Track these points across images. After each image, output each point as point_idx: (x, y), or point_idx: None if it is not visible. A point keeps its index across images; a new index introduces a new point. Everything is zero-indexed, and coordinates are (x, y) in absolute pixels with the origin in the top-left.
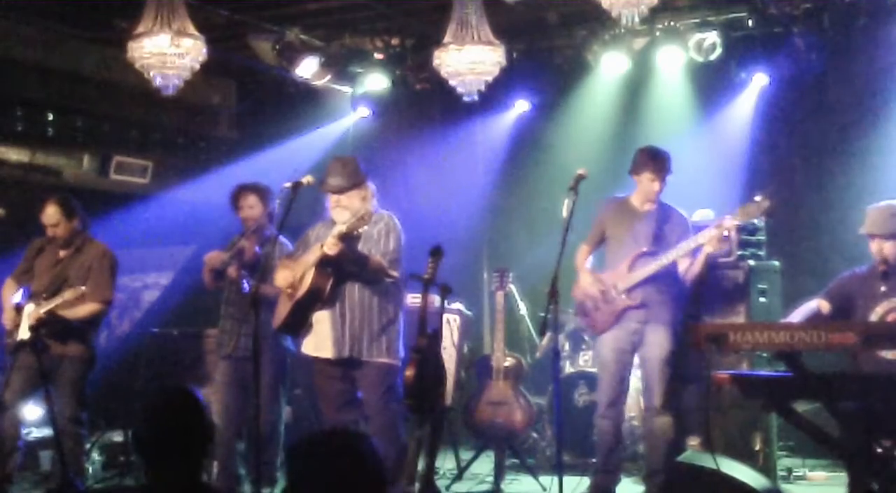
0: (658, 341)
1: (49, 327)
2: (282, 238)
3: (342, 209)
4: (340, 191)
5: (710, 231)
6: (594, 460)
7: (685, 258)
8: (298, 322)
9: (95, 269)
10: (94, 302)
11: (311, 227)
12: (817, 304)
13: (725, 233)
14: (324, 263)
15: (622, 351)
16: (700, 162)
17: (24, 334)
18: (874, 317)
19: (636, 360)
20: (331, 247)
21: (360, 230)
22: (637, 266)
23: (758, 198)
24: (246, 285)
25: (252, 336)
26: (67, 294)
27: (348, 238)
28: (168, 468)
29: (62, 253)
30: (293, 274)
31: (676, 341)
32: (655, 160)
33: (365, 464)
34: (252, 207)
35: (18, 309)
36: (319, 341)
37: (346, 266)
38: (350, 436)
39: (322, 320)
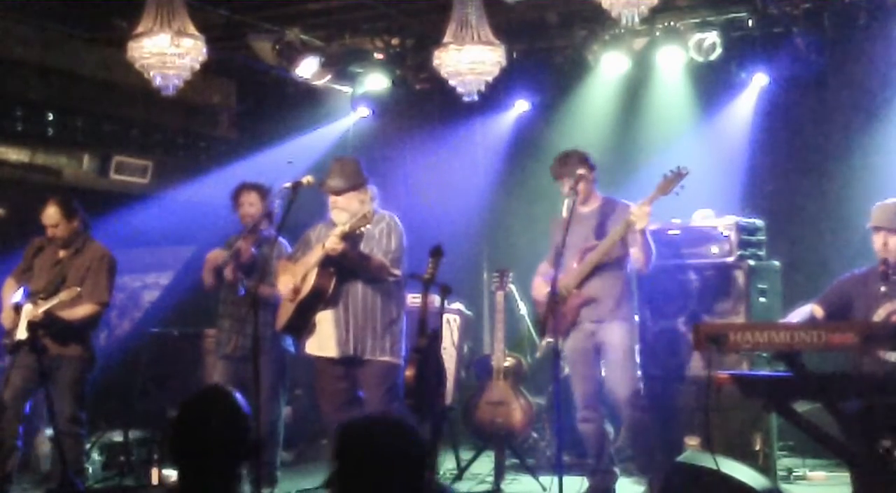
0: (616, 341)
1: (46, 327)
2: (281, 239)
3: (340, 211)
4: (338, 192)
5: (637, 208)
6: (591, 461)
7: (635, 249)
8: (302, 323)
9: (94, 270)
10: (90, 304)
11: (311, 228)
12: (811, 309)
13: (649, 208)
14: (326, 262)
15: (585, 351)
16: (700, 162)
17: (21, 333)
18: (876, 319)
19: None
20: (333, 246)
21: (361, 230)
22: (584, 262)
23: (674, 169)
24: (242, 290)
25: (251, 336)
26: (63, 295)
27: (350, 237)
28: (199, 477)
29: (62, 253)
30: (294, 278)
31: (635, 337)
32: (560, 166)
33: (416, 449)
34: (252, 204)
35: (17, 308)
36: (322, 340)
37: (349, 265)
38: (401, 421)
39: (325, 319)
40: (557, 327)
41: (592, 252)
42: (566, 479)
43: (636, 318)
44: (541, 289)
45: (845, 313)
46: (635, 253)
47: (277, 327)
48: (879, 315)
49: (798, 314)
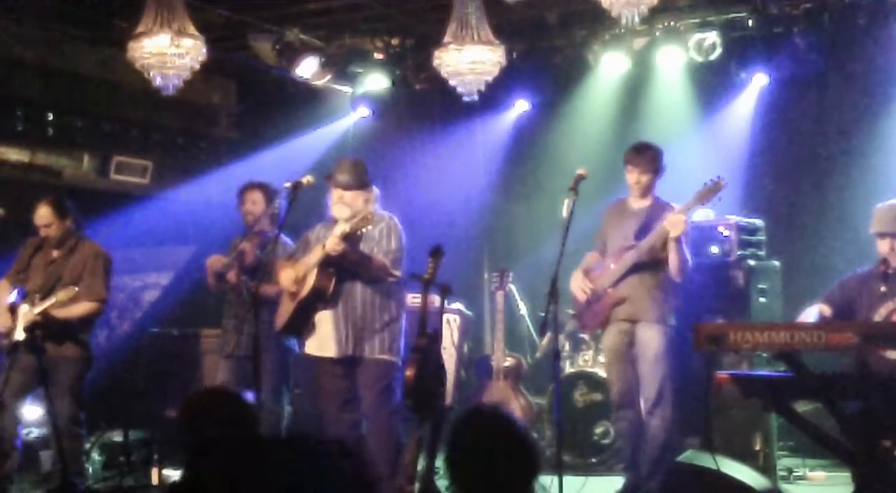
0: (648, 341)
1: (44, 328)
2: (283, 237)
3: (344, 206)
4: (347, 187)
5: (672, 216)
6: (594, 460)
7: (672, 255)
8: (301, 323)
9: (89, 268)
10: (89, 301)
11: (310, 228)
12: (818, 309)
13: (687, 216)
14: (326, 263)
15: (619, 351)
16: (700, 162)
17: (19, 335)
18: (877, 318)
19: None
20: (334, 246)
21: (362, 231)
22: (620, 262)
23: (714, 179)
24: (245, 294)
25: (252, 335)
26: (60, 295)
27: (350, 238)
28: None
29: (55, 253)
30: (296, 273)
31: (670, 340)
32: (638, 154)
33: (526, 444)
34: (255, 202)
35: (13, 309)
36: (322, 340)
37: (349, 266)
38: (509, 418)
39: (324, 319)
40: (587, 322)
41: (629, 253)
42: (566, 479)
43: (673, 321)
44: (575, 281)
45: (849, 314)
46: (671, 259)
47: (277, 327)
48: (881, 315)
49: (806, 316)
